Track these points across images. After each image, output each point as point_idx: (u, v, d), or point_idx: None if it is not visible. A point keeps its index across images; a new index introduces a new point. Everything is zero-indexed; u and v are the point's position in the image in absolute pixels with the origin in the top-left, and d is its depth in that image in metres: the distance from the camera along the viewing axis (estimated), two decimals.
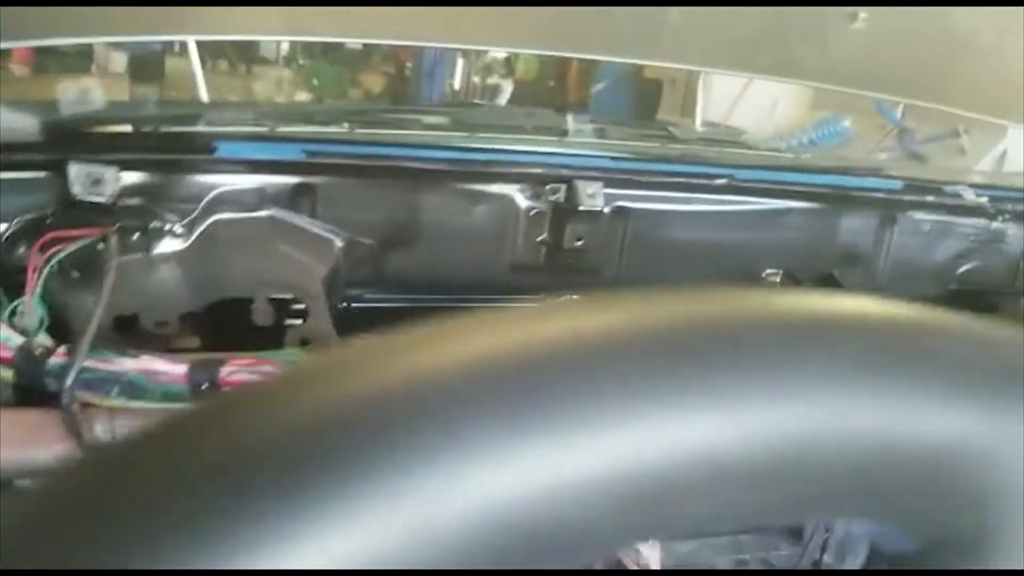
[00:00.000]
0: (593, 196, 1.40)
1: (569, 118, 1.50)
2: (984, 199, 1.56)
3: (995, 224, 1.66)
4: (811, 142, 5.54)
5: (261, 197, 1.23)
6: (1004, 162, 3.90)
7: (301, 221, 1.25)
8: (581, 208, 1.40)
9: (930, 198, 1.59)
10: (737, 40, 1.50)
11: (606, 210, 1.45)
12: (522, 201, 1.41)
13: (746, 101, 6.44)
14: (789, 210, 1.58)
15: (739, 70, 1.68)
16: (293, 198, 1.26)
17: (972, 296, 1.72)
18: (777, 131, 5.99)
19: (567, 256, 1.46)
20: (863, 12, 1.58)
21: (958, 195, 1.56)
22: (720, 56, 1.58)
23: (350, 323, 1.41)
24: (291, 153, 1.18)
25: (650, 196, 1.49)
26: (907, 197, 1.59)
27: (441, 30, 1.42)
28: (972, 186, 1.58)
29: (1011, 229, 1.67)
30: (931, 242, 1.66)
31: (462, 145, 1.33)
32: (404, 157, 1.27)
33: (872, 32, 1.59)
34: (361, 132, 1.33)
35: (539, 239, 1.44)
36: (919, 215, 1.62)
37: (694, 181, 1.49)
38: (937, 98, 1.77)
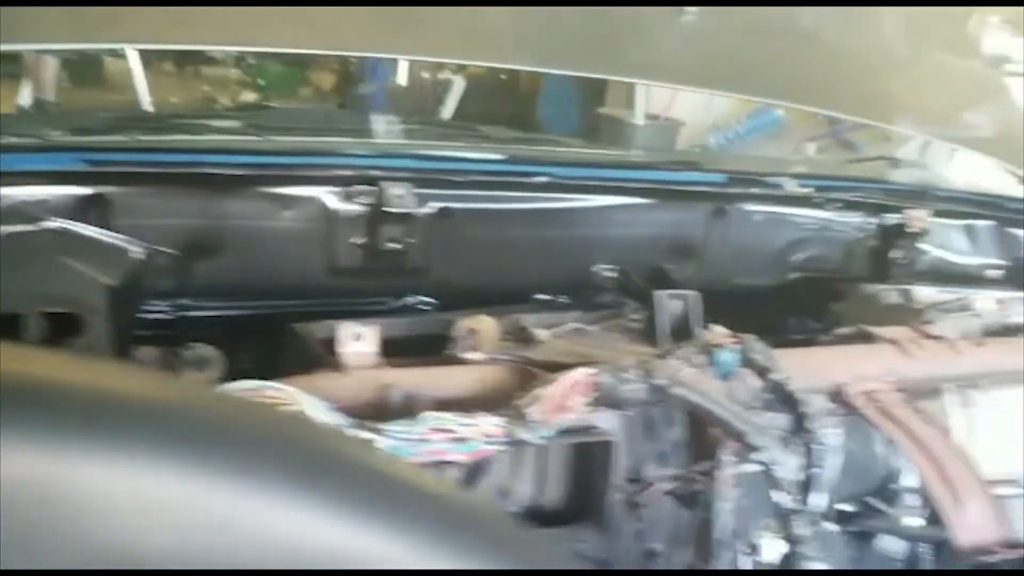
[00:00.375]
0: (401, 197, 1.40)
1: (375, 118, 1.49)
2: (807, 189, 1.58)
3: (826, 213, 1.68)
4: (745, 132, 5.59)
5: (44, 209, 1.22)
6: (927, 148, 3.95)
7: (89, 232, 1.24)
8: (391, 210, 1.40)
9: (755, 190, 1.60)
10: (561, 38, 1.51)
11: (425, 211, 1.46)
12: (333, 204, 1.41)
13: (684, 94, 6.48)
14: (617, 206, 1.59)
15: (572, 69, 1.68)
16: (81, 209, 1.25)
17: (813, 284, 1.74)
18: (714, 122, 6.04)
19: (387, 259, 1.46)
20: (692, 9, 1.59)
21: (780, 186, 1.58)
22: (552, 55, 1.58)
23: (184, 332, 1.41)
24: (71, 163, 1.18)
25: (473, 196, 1.49)
26: (733, 190, 1.60)
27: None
28: (794, 176, 1.59)
29: (843, 217, 1.69)
30: (764, 233, 1.67)
31: (260, 148, 1.32)
32: (198, 163, 1.27)
33: (704, 28, 1.61)
34: (147, 139, 1.33)
35: (355, 242, 1.44)
36: (749, 207, 1.64)
37: (514, 180, 1.49)
38: (783, 95, 1.78)
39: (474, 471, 1.27)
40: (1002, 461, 1.66)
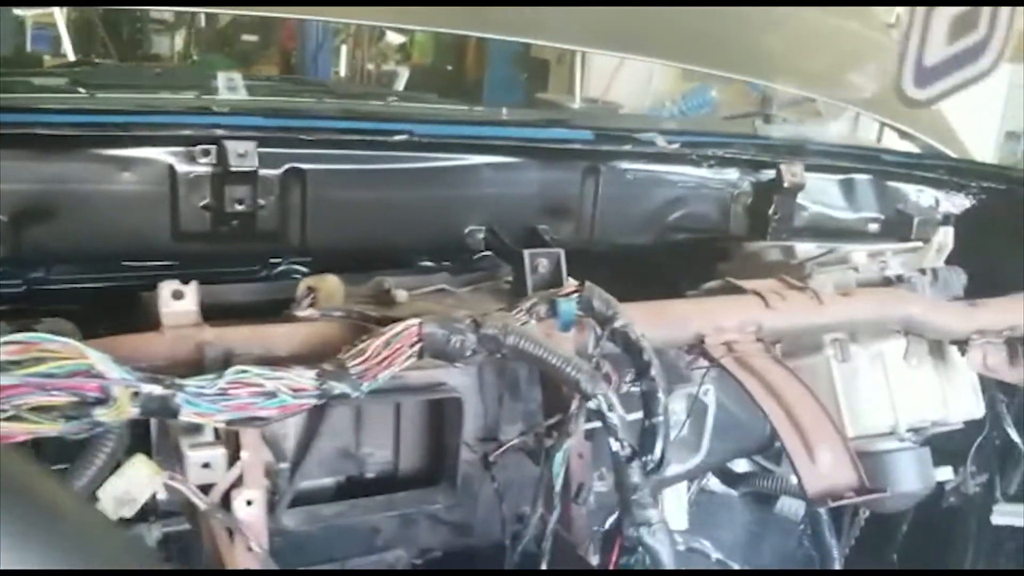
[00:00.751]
0: (245, 156, 1.34)
1: (220, 76, 1.44)
2: (676, 145, 1.55)
3: (700, 170, 1.65)
4: (681, 112, 5.61)
5: None
6: (858, 122, 3.97)
7: None
8: (235, 170, 1.35)
9: (626, 147, 1.57)
10: None
11: (274, 172, 1.41)
12: (177, 165, 1.35)
13: (624, 76, 6.49)
14: (484, 165, 1.55)
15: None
16: None
17: (691, 243, 1.72)
18: (653, 103, 6.05)
19: (237, 222, 1.41)
20: None
21: (652, 142, 1.55)
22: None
23: (41, 303, 1.35)
24: None
25: (327, 156, 1.44)
26: (603, 147, 1.57)
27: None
28: (664, 132, 1.57)
29: (718, 174, 1.67)
30: (638, 192, 1.64)
31: (90, 107, 1.26)
32: (18, 124, 1.21)
33: None
34: None
35: (201, 205, 1.39)
36: (622, 165, 1.61)
37: (369, 139, 1.45)
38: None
39: (309, 430, 1.23)
40: (881, 414, 1.65)
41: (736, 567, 1.34)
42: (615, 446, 1.08)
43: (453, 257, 1.60)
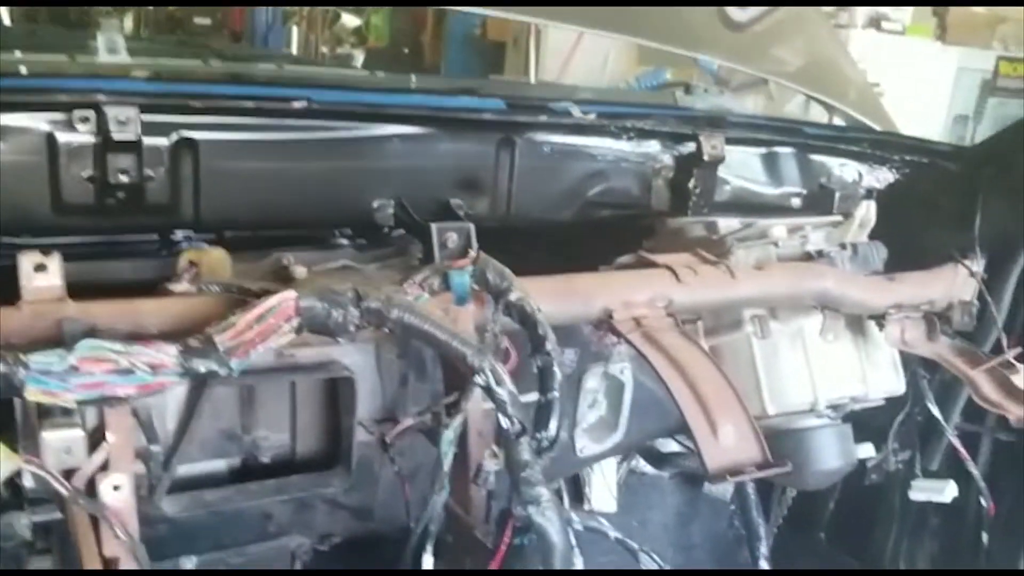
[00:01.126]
0: (127, 124, 1.27)
1: (100, 36, 1.36)
2: (592, 116, 1.50)
3: (620, 143, 1.60)
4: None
5: None
6: (809, 106, 3.96)
7: None
8: (117, 138, 1.27)
9: (542, 118, 1.52)
10: None
11: (162, 141, 1.33)
12: (56, 133, 1.27)
13: (579, 59, 6.45)
14: (392, 136, 1.49)
15: None
16: None
17: (611, 219, 1.68)
18: (607, 85, 6.02)
19: (124, 194, 1.33)
20: None
21: (568, 112, 1.50)
22: None
23: None
24: None
25: (220, 124, 1.37)
26: (518, 118, 1.52)
27: None
28: (580, 102, 1.51)
29: (638, 147, 1.62)
30: (556, 165, 1.59)
31: None
32: None
33: None
34: None
35: (85, 176, 1.31)
36: (538, 136, 1.55)
37: (266, 106, 1.38)
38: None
39: (188, 411, 1.17)
40: (801, 391, 1.63)
41: (655, 557, 1.30)
42: (504, 422, 1.04)
43: (364, 234, 1.54)
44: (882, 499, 1.89)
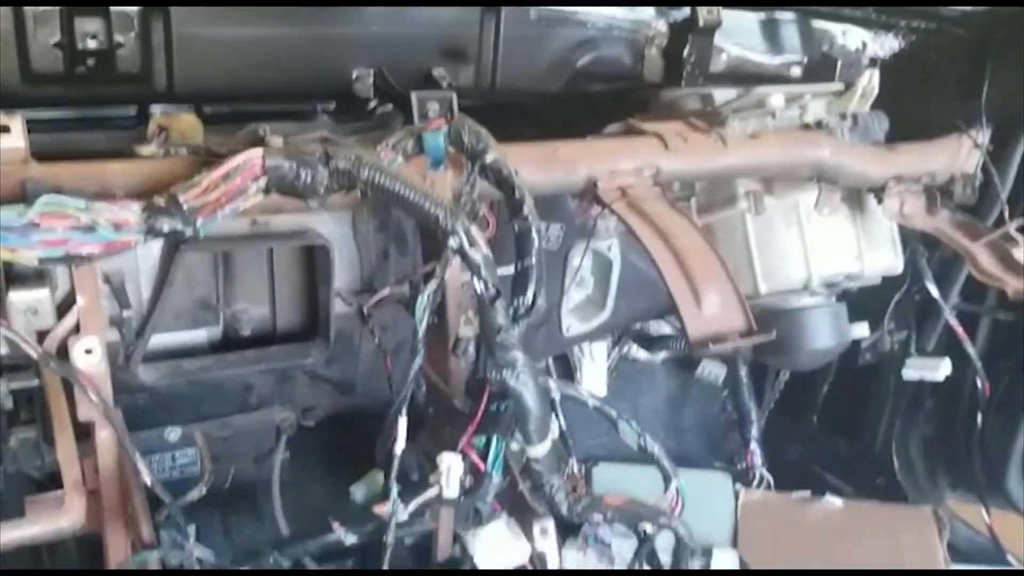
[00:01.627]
0: None
1: None
2: None
3: (610, 9, 1.53)
4: None
5: None
6: None
7: None
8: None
9: None
10: None
11: (131, 7, 1.28)
12: None
13: None
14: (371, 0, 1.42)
15: None
16: None
17: (606, 93, 1.62)
18: None
19: (94, 61, 1.28)
20: None
21: None
22: None
23: None
24: None
25: None
26: None
27: None
28: None
29: (630, 13, 1.55)
30: (544, 33, 1.52)
31: None
32: None
33: None
34: None
35: (53, 42, 1.26)
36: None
37: None
38: None
39: (160, 278, 1.15)
40: (795, 268, 1.60)
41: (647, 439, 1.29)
42: (477, 286, 1.01)
43: (347, 111, 1.49)
44: (876, 381, 1.88)
